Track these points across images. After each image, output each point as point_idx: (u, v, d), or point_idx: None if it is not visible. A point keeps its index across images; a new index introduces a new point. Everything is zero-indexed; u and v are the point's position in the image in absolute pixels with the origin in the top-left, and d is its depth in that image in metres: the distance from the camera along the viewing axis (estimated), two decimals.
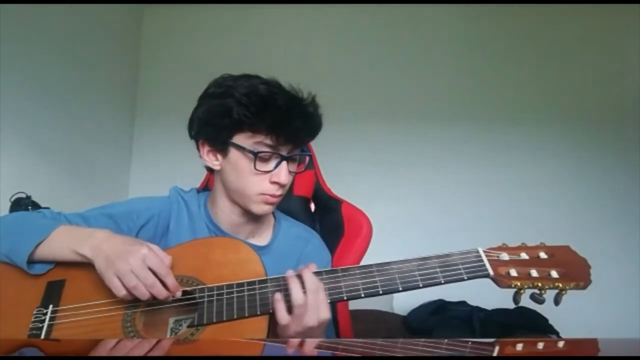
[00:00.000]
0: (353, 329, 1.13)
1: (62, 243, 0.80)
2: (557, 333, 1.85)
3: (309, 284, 0.75)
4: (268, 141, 0.84)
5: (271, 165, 0.86)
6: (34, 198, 1.69)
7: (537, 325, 1.88)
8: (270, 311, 0.75)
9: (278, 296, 0.75)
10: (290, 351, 0.63)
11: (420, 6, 2.57)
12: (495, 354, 0.61)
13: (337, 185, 1.29)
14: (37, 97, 1.92)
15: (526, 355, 0.63)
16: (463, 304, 2.11)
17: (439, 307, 2.10)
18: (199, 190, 1.02)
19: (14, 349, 0.59)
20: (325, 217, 1.23)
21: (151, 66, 2.72)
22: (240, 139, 0.86)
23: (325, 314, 0.75)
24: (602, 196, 2.42)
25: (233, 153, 0.87)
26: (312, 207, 1.28)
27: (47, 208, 0.99)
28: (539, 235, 2.61)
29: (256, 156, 0.84)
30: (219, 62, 2.56)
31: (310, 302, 0.74)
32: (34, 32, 1.87)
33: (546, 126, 2.51)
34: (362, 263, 1.11)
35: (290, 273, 0.77)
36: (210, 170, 0.97)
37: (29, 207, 1.64)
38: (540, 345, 0.69)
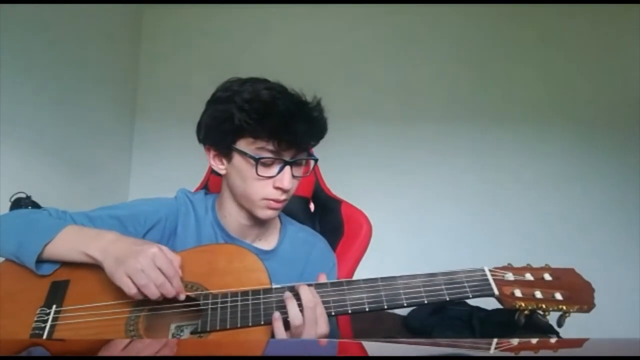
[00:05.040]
0: (353, 329, 1.13)
1: (69, 244, 0.80)
2: (557, 333, 1.85)
3: (306, 300, 0.74)
4: (270, 147, 0.83)
5: (274, 170, 0.85)
6: (34, 198, 1.70)
7: (537, 325, 1.88)
8: None
9: (277, 315, 0.75)
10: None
11: (419, 6, 2.57)
12: (495, 354, 0.61)
13: (337, 186, 1.29)
14: (37, 97, 1.92)
15: (526, 356, 0.63)
16: (463, 304, 2.11)
17: (438, 307, 2.10)
18: (206, 192, 1.02)
19: (19, 349, 0.59)
20: (325, 217, 1.23)
21: (151, 66, 2.72)
22: (242, 144, 0.85)
23: (323, 329, 0.74)
24: (603, 195, 2.42)
25: (237, 158, 0.87)
26: (312, 207, 1.28)
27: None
28: (538, 233, 2.60)
29: (257, 162, 0.83)
30: (219, 62, 2.60)
31: (308, 319, 0.73)
32: (34, 33, 1.87)
33: (550, 127, 2.50)
34: (362, 263, 1.12)
35: (287, 294, 0.76)
36: (218, 174, 0.96)
37: (29, 207, 1.65)
38: (540, 345, 0.69)
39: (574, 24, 2.51)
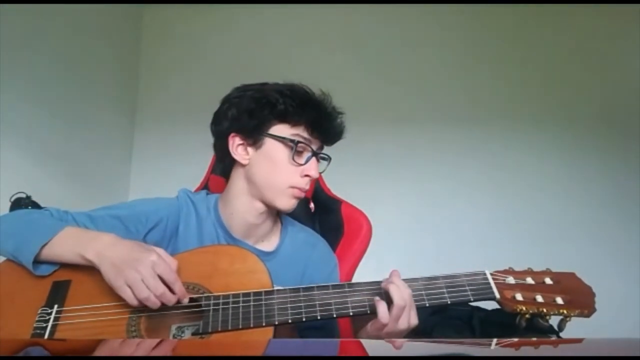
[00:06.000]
0: (353, 329, 1.13)
1: (67, 245, 0.80)
2: (557, 333, 1.84)
3: (402, 289, 0.77)
4: (305, 134, 0.89)
5: (304, 158, 0.90)
6: (34, 198, 1.70)
7: (538, 327, 1.88)
8: (276, 323, 0.75)
9: (378, 297, 0.77)
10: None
11: (421, 6, 2.57)
12: (495, 353, 0.61)
13: (337, 186, 1.29)
14: (37, 98, 1.92)
15: (526, 355, 0.63)
16: (463, 304, 2.11)
17: (439, 307, 2.10)
18: (208, 193, 1.02)
19: (20, 349, 0.59)
20: (325, 218, 1.23)
21: (151, 67, 2.72)
22: (277, 130, 0.89)
23: (415, 319, 0.77)
24: (602, 196, 2.42)
25: (268, 144, 0.90)
26: (312, 207, 1.28)
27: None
28: (537, 233, 2.58)
29: (296, 145, 0.88)
30: (219, 63, 2.60)
31: (408, 306, 0.76)
32: (33, 34, 1.87)
33: (550, 127, 2.50)
34: (361, 264, 1.12)
35: (388, 280, 0.79)
36: (225, 174, 0.97)
37: (29, 207, 1.64)
38: (540, 346, 0.69)
39: (586, 25, 2.52)
